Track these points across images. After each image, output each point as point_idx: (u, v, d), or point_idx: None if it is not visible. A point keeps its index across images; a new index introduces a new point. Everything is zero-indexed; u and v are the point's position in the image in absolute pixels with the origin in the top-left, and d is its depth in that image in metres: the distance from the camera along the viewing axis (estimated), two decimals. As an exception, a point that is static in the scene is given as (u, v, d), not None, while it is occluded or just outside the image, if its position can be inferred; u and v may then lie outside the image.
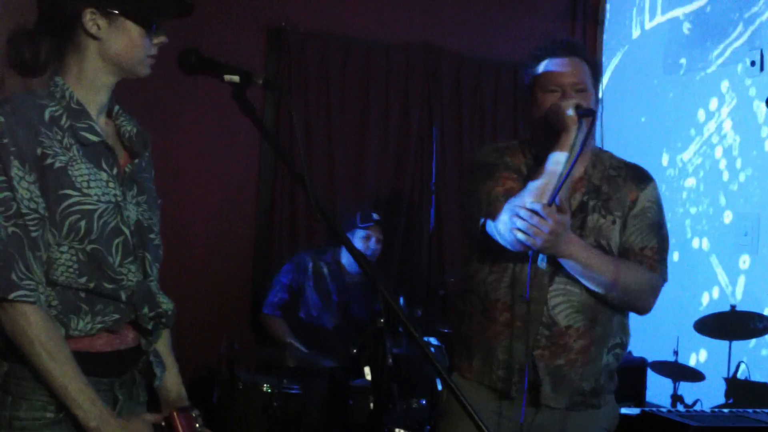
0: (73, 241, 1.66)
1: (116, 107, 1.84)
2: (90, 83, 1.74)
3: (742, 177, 4.51)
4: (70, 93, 1.71)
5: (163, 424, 1.75)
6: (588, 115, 2.20)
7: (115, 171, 1.74)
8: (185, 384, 1.94)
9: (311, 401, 3.76)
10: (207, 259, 4.45)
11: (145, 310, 1.77)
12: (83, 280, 1.67)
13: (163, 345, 1.91)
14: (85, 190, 1.67)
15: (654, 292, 2.31)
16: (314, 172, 4.65)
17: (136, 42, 1.72)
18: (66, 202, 1.64)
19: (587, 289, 2.25)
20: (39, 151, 1.62)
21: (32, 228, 1.61)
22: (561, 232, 2.09)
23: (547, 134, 2.25)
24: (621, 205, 2.32)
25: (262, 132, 1.70)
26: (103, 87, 1.76)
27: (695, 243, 4.85)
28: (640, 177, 2.38)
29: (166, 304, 1.83)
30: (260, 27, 4.61)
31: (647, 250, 2.30)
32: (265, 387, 3.58)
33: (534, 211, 2.06)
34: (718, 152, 4.72)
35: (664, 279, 2.33)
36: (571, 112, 2.19)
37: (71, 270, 1.66)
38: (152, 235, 1.82)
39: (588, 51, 2.41)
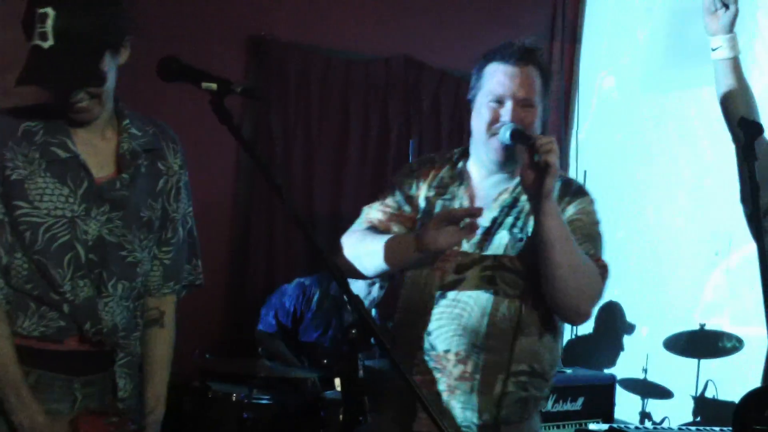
0: (23, 249, 1.75)
1: (125, 121, 1.89)
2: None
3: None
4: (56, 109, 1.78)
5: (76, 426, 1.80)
6: (522, 141, 2.01)
7: (84, 187, 1.78)
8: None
9: (282, 412, 3.75)
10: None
11: (87, 326, 1.81)
12: (29, 286, 1.76)
13: (157, 353, 1.99)
14: (36, 203, 1.74)
15: (599, 295, 2.11)
16: (292, 183, 4.65)
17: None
18: (17, 212, 1.73)
19: (475, 312, 2.06)
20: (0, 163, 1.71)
21: None
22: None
23: (485, 148, 2.13)
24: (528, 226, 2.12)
25: (240, 140, 1.70)
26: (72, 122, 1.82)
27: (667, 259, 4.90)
28: (572, 191, 2.17)
29: (107, 325, 1.84)
30: (241, 37, 4.60)
31: (593, 257, 2.09)
32: (236, 397, 3.56)
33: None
34: (694, 168, 4.78)
35: (604, 288, 2.13)
36: (507, 136, 2.04)
37: (20, 275, 1.75)
38: (123, 252, 1.85)
39: (541, 57, 2.21)
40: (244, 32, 4.60)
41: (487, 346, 2.07)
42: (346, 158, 4.85)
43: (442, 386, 2.08)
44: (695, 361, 4.35)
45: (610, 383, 4.25)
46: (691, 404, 4.38)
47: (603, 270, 2.10)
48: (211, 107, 1.67)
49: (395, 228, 2.21)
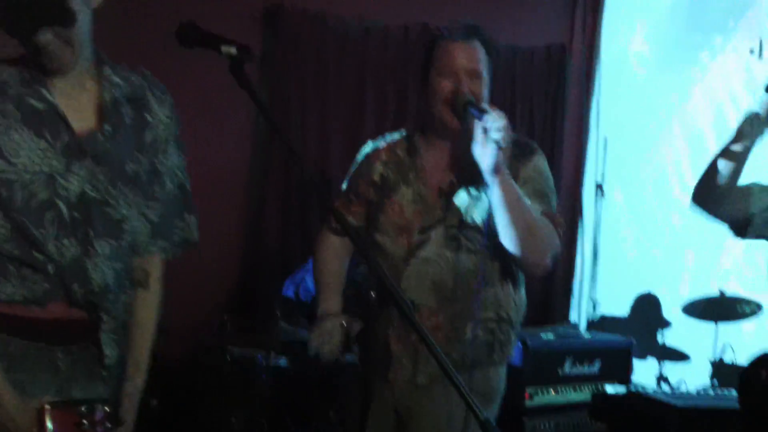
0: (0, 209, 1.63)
1: (106, 69, 1.77)
2: None
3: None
4: (27, 59, 1.67)
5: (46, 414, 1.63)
6: (474, 112, 2.16)
7: (63, 140, 1.68)
8: (175, 358, 1.89)
9: (301, 375, 3.79)
10: (200, 234, 4.44)
11: (75, 286, 1.71)
12: (8, 246, 1.64)
13: (140, 317, 1.87)
14: (12, 159, 1.63)
15: (554, 249, 2.26)
16: (308, 151, 4.65)
17: None
18: None
19: (444, 266, 2.26)
20: None
21: None
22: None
23: (439, 119, 2.31)
24: (484, 188, 2.26)
25: (258, 106, 1.70)
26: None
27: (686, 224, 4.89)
28: (524, 151, 2.35)
29: (98, 283, 1.74)
30: (257, 6, 4.58)
31: (546, 214, 2.27)
32: (254, 360, 3.60)
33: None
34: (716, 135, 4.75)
35: (560, 241, 2.29)
36: (460, 106, 2.21)
37: (0, 236, 1.64)
38: (108, 209, 1.74)
39: (486, 34, 2.34)
40: (259, 2, 4.58)
41: (456, 298, 2.27)
42: (363, 126, 4.83)
43: (415, 337, 2.26)
44: (713, 325, 4.35)
45: (628, 347, 4.27)
46: (708, 368, 4.39)
47: (556, 224, 2.27)
48: (230, 72, 1.66)
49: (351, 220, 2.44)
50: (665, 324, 4.78)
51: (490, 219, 2.22)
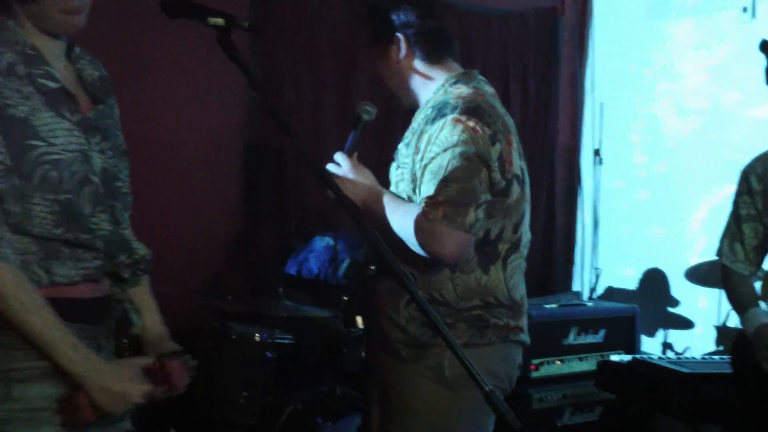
0: (45, 192, 1.61)
1: (76, 49, 1.78)
2: (40, 27, 1.67)
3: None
4: (24, 39, 1.65)
5: (155, 368, 1.70)
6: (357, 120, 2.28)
7: (77, 118, 1.69)
8: (175, 335, 1.92)
9: (305, 351, 3.77)
10: (194, 210, 4.41)
11: (123, 257, 1.77)
12: (59, 231, 1.64)
13: (142, 291, 1.90)
14: (51, 140, 1.62)
15: (434, 239, 2.08)
16: (300, 120, 4.59)
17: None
18: (33, 152, 1.60)
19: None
20: (0, 102, 1.58)
21: None
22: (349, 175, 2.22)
23: None
24: (410, 151, 2.23)
25: (247, 75, 1.66)
26: (55, 30, 1.70)
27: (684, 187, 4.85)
28: (434, 116, 2.17)
29: (142, 250, 1.84)
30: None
31: (424, 201, 2.11)
32: (258, 337, 3.58)
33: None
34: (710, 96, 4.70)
35: (445, 225, 2.07)
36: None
37: (46, 221, 1.62)
38: (119, 183, 1.79)
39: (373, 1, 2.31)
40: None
41: (386, 274, 2.19)
42: (353, 95, 4.72)
43: (371, 311, 2.31)
44: (717, 291, 4.32)
45: (632, 315, 4.25)
46: (713, 334, 4.37)
47: (433, 208, 2.08)
48: (217, 42, 1.63)
49: None
50: (674, 302, 4.74)
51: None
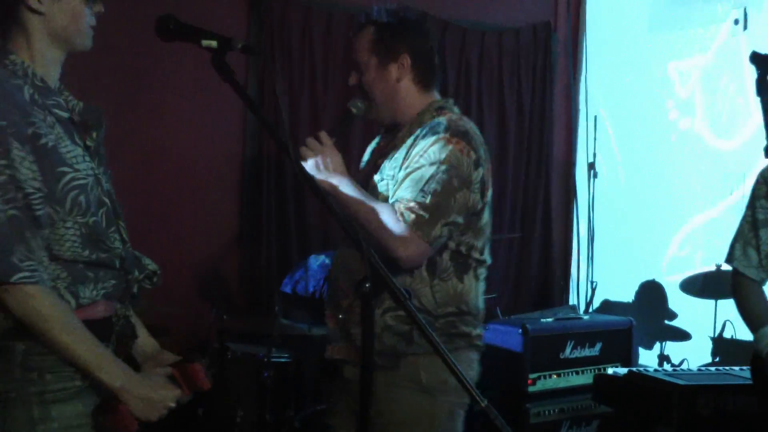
0: (76, 216, 1.69)
1: (59, 84, 1.84)
2: (43, 59, 1.73)
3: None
4: (32, 71, 1.71)
5: (181, 373, 1.81)
6: (347, 115, 2.36)
7: (84, 144, 1.76)
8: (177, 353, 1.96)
9: (302, 369, 3.77)
10: (194, 230, 4.43)
11: (136, 273, 1.84)
12: (86, 252, 1.71)
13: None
14: (75, 166, 1.70)
15: (399, 240, 2.15)
16: (299, 141, 4.60)
17: (79, 13, 1.74)
18: (64, 179, 1.67)
19: (353, 256, 2.21)
20: (30, 131, 1.63)
21: (36, 207, 1.63)
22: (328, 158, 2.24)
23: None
24: (397, 164, 2.29)
25: (243, 98, 1.69)
26: (54, 62, 1.76)
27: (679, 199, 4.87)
28: (424, 133, 2.27)
29: (151, 265, 1.91)
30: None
31: (400, 202, 2.19)
32: (255, 356, 3.58)
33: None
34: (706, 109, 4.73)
35: (417, 230, 2.15)
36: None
37: (76, 244, 1.70)
38: (116, 204, 1.86)
39: (383, 13, 2.42)
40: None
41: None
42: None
43: (350, 324, 2.29)
44: (712, 302, 4.33)
45: (628, 327, 4.25)
46: (709, 345, 4.37)
47: (410, 212, 2.16)
48: (212, 65, 1.66)
49: None
50: (672, 315, 4.74)
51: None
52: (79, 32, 1.76)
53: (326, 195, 1.69)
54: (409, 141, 2.31)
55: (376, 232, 2.16)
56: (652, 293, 4.84)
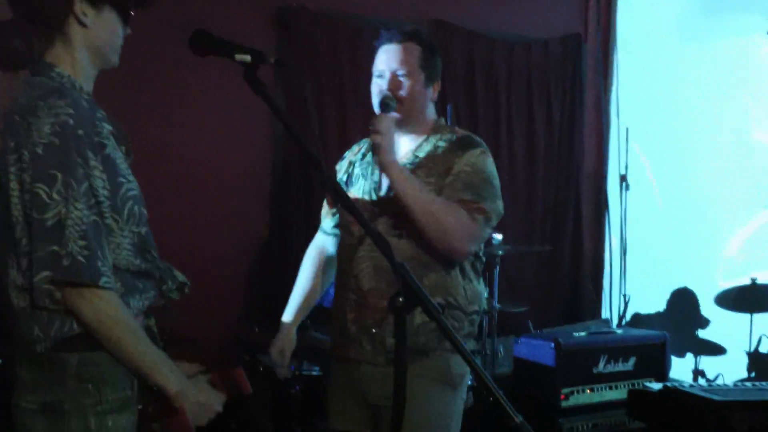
0: (132, 225, 1.73)
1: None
2: (84, 73, 1.76)
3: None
4: (79, 84, 1.74)
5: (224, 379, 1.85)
6: (387, 106, 2.41)
7: (124, 156, 1.80)
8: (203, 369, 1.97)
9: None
10: (222, 239, 4.44)
11: (170, 284, 1.87)
12: (137, 261, 1.76)
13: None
14: (128, 177, 1.75)
15: (470, 235, 2.37)
16: (328, 154, 4.61)
17: (115, 30, 1.79)
18: (122, 189, 1.72)
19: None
20: (98, 140, 1.68)
21: (106, 215, 1.67)
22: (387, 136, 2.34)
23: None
24: (433, 174, 2.42)
25: (274, 110, 1.68)
26: (91, 77, 1.80)
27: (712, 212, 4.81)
28: (462, 146, 2.46)
29: (180, 276, 1.93)
30: (269, 8, 4.55)
31: (464, 203, 2.36)
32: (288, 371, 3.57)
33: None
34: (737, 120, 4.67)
35: (482, 230, 2.39)
36: (377, 104, 2.45)
37: (130, 254, 1.74)
38: None
39: (424, 36, 2.54)
40: (272, 3, 4.56)
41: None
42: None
43: (370, 320, 2.40)
44: (748, 316, 4.26)
45: (663, 342, 4.20)
46: (745, 360, 4.30)
47: (478, 213, 2.36)
48: (245, 79, 1.66)
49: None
50: (705, 323, 4.67)
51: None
52: (114, 49, 1.80)
53: (355, 208, 1.69)
54: (427, 148, 2.48)
55: (451, 224, 2.31)
56: (684, 300, 4.79)
